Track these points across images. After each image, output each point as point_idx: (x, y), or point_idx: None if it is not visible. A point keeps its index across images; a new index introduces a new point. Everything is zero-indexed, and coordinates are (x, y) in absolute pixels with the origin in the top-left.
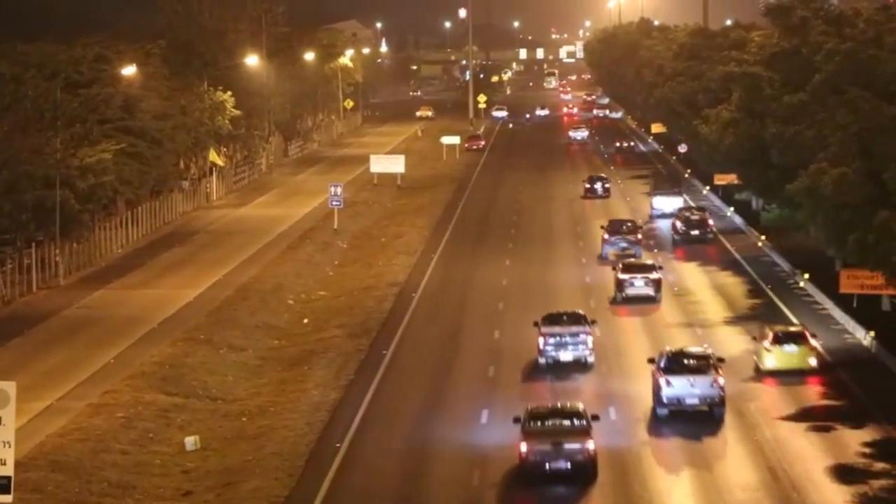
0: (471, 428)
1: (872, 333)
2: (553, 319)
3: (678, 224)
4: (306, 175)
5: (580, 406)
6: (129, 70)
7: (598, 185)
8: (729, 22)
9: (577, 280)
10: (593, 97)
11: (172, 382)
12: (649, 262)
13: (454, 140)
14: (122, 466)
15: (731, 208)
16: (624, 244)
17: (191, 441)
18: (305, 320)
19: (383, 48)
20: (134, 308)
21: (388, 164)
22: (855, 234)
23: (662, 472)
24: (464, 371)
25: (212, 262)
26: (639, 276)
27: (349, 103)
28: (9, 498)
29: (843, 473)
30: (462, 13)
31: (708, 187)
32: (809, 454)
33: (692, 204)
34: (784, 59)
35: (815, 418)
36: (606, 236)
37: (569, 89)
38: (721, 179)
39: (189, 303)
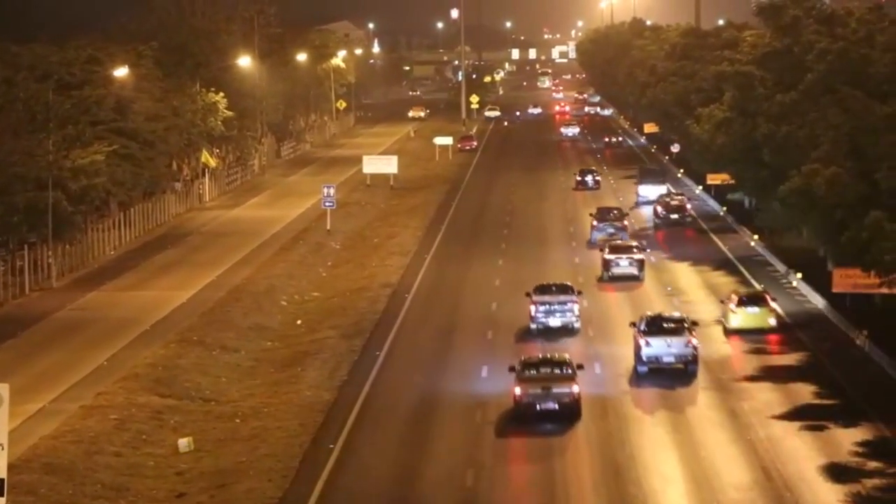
0: (467, 427)
1: (865, 332)
2: (543, 290)
3: (659, 209)
4: (299, 176)
5: (567, 356)
6: (121, 71)
7: (588, 178)
8: (721, 22)
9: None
10: (584, 96)
11: (166, 384)
12: (633, 243)
13: (447, 141)
14: (116, 468)
15: (724, 208)
16: (611, 230)
17: (184, 443)
18: (299, 321)
19: (375, 49)
20: (127, 310)
21: (381, 164)
22: (847, 233)
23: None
24: (457, 371)
25: (205, 264)
26: (624, 256)
27: (342, 104)
28: (2, 500)
29: (837, 472)
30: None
31: (701, 187)
32: (803, 453)
33: (674, 191)
34: (776, 58)
35: (808, 417)
36: (595, 223)
37: (561, 88)
38: (714, 179)
39: (182, 304)
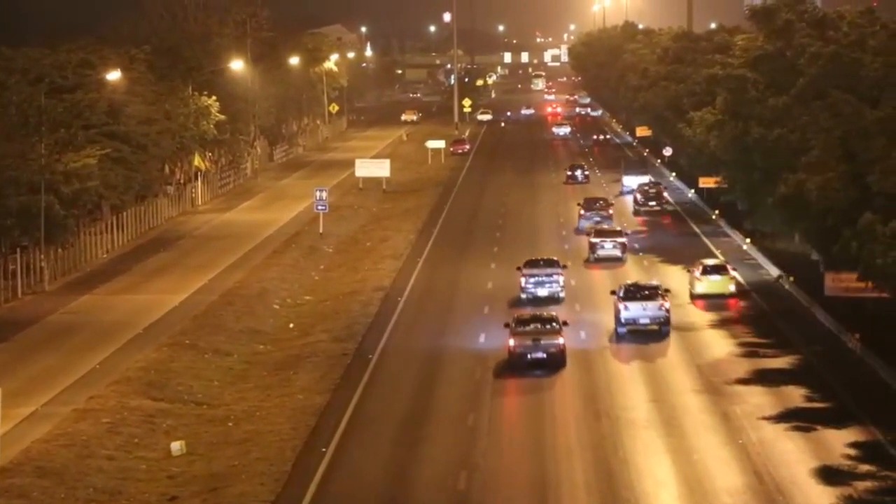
0: (458, 429)
1: (858, 336)
2: (532, 263)
3: (638, 196)
4: (291, 179)
5: (554, 314)
6: (113, 75)
7: (577, 173)
8: (713, 25)
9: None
10: (575, 97)
11: (158, 387)
12: (617, 228)
13: (439, 144)
14: (108, 472)
15: (717, 211)
16: (597, 218)
17: (176, 446)
18: (291, 325)
19: (368, 52)
20: (119, 313)
21: (374, 168)
22: (840, 237)
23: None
24: (450, 374)
25: (197, 267)
26: (608, 240)
27: (334, 107)
28: None
29: (828, 475)
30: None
31: (693, 190)
32: (794, 456)
33: (652, 181)
34: (768, 61)
35: (799, 420)
36: (582, 212)
37: (553, 90)
38: (706, 182)
39: (174, 308)
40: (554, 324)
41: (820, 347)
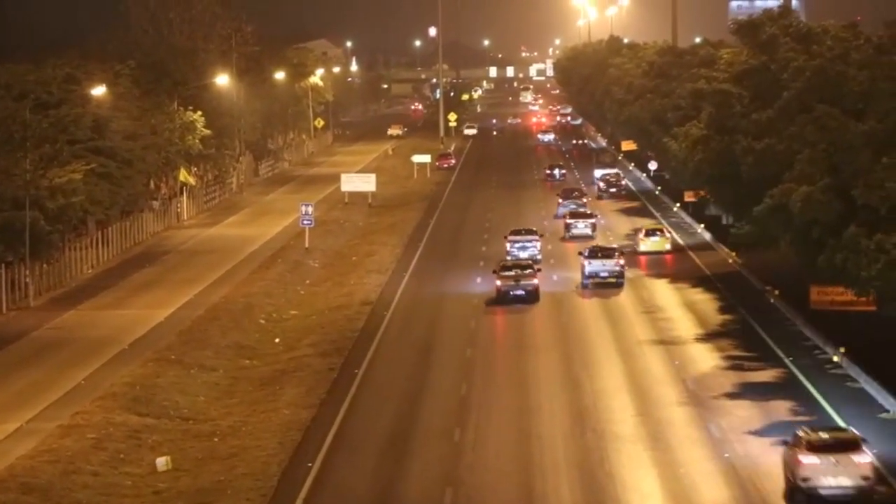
0: (443, 445)
1: (843, 349)
2: (516, 232)
3: (601, 184)
4: (277, 194)
5: (530, 261)
6: (98, 90)
7: (556, 171)
8: (698, 40)
9: (551, 297)
10: (558, 108)
11: (143, 403)
12: (589, 211)
13: (425, 158)
14: (93, 488)
15: (702, 225)
16: (573, 206)
17: (162, 462)
18: (277, 340)
19: (353, 67)
20: (104, 329)
21: (359, 182)
22: (825, 250)
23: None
24: (438, 388)
25: (183, 282)
26: (580, 221)
27: (320, 122)
28: None
29: None
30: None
31: (678, 204)
32: (780, 470)
33: (615, 172)
34: (753, 76)
35: (785, 433)
36: (560, 201)
37: (540, 101)
38: (691, 196)
39: (160, 323)
40: (530, 269)
41: (805, 361)
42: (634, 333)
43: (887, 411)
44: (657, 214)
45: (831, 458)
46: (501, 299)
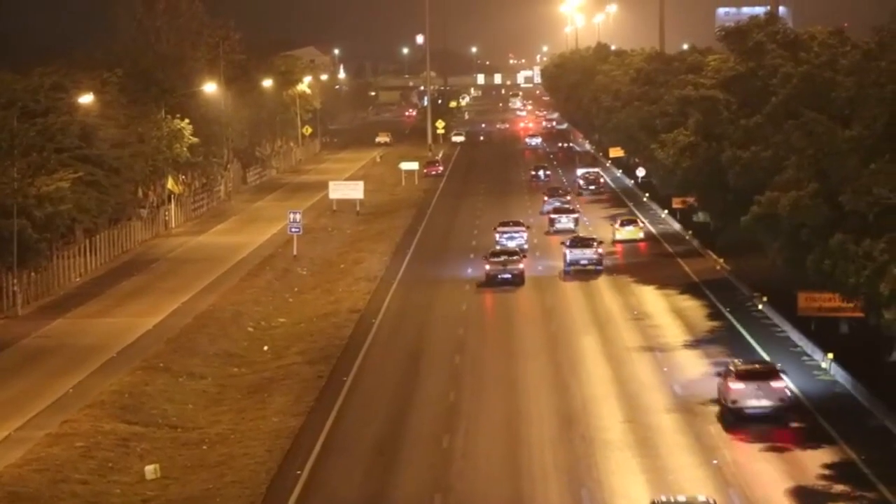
0: (433, 450)
1: (831, 355)
2: (504, 224)
3: (581, 182)
4: (265, 202)
5: (517, 249)
6: (86, 98)
7: (540, 172)
8: (685, 46)
9: (539, 305)
10: (544, 113)
11: (132, 411)
12: (571, 206)
13: (413, 166)
14: (82, 496)
15: (690, 231)
16: (557, 203)
17: (151, 470)
18: (265, 347)
19: (341, 74)
20: (93, 337)
21: (347, 190)
22: (812, 257)
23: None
24: (426, 396)
25: (171, 290)
26: (563, 216)
27: (307, 130)
28: None
29: (803, 496)
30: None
31: (666, 210)
32: (769, 477)
33: (594, 171)
34: (740, 82)
35: (774, 440)
36: (546, 198)
37: (529, 107)
38: (679, 203)
39: (148, 331)
40: (517, 255)
41: (793, 367)
42: (623, 340)
43: (874, 417)
44: (644, 220)
45: (754, 385)
46: (490, 282)
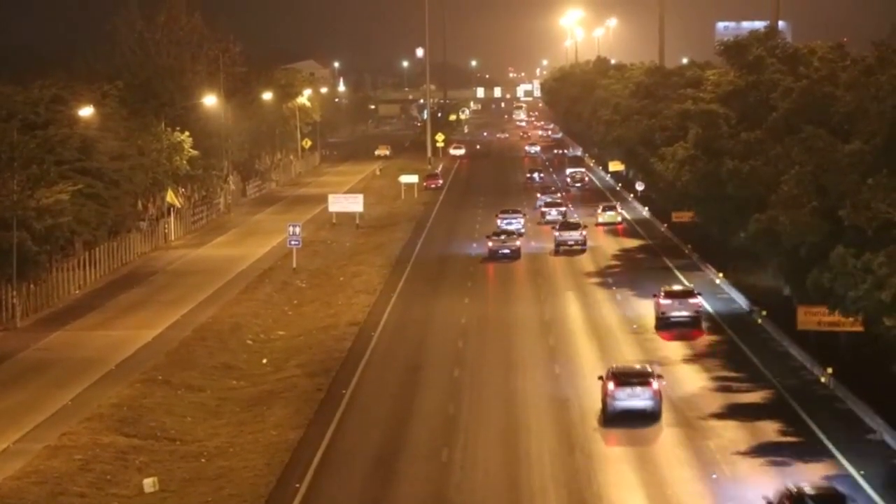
0: (432, 464)
1: (830, 370)
2: (504, 211)
3: (568, 180)
4: (264, 215)
5: (515, 231)
6: (85, 111)
7: (535, 175)
8: (685, 60)
9: (537, 317)
10: (541, 123)
11: (130, 424)
12: (559, 201)
13: (412, 179)
14: None
15: (689, 245)
16: (548, 199)
17: (149, 483)
18: (264, 360)
19: (341, 88)
20: (91, 349)
21: (347, 203)
22: (812, 272)
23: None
24: (425, 409)
25: (170, 303)
26: (553, 209)
27: (307, 143)
28: None
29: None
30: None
31: (665, 224)
32: (768, 491)
33: (580, 170)
34: (740, 96)
35: (773, 454)
36: (539, 196)
37: (532, 119)
38: (679, 217)
39: (147, 344)
40: (514, 234)
41: (793, 381)
42: (622, 353)
43: (874, 432)
44: (644, 233)
45: (677, 300)
46: (492, 256)
